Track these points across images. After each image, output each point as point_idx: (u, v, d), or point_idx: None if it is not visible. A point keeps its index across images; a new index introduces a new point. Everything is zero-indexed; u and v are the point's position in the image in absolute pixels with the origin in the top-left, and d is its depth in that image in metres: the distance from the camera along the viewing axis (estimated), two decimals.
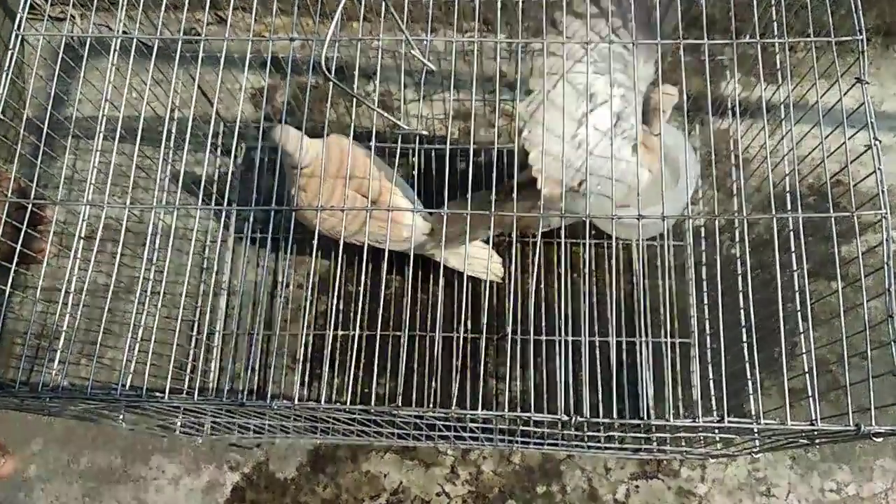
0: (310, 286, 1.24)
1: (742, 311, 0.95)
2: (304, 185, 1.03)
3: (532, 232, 0.92)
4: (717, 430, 0.86)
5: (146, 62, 0.85)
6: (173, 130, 0.85)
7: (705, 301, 1.14)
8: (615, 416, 0.74)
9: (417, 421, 0.91)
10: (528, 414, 0.69)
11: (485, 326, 1.17)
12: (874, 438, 0.65)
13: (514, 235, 0.90)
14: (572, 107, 0.92)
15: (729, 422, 0.68)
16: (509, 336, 0.81)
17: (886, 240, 0.71)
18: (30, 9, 0.84)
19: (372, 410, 0.68)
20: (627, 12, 0.90)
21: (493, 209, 0.74)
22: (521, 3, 0.86)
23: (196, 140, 1.22)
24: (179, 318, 0.84)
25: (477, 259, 1.17)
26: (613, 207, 0.84)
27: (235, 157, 1.33)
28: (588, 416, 0.69)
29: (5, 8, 0.99)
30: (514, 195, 0.81)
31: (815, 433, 0.69)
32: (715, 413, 1.09)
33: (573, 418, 0.68)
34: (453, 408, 0.68)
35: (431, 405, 1.11)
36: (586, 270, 1.21)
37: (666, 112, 1.03)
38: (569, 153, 0.90)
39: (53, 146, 1.03)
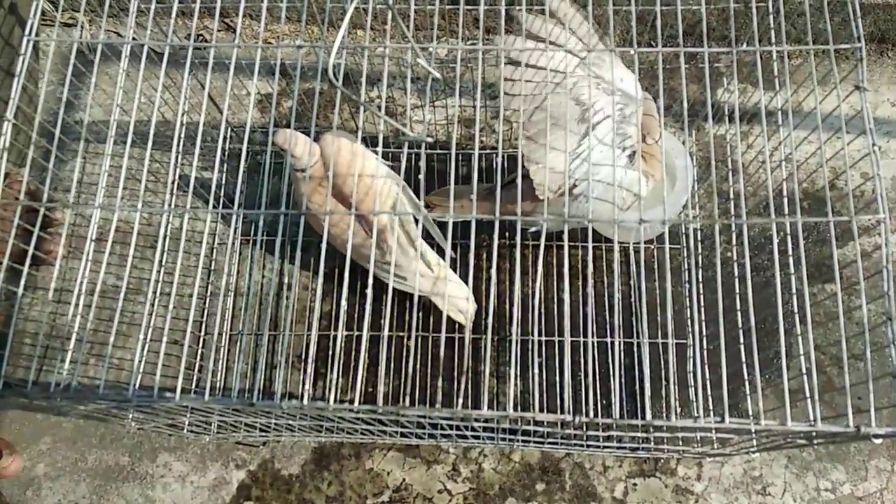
0: (317, 287, 1.26)
1: (739, 313, 0.97)
2: (310, 192, 1.04)
3: (533, 224, 0.93)
4: (715, 430, 0.87)
5: (156, 68, 0.86)
6: (182, 135, 0.86)
7: (703, 303, 1.16)
8: (616, 415, 0.75)
9: (421, 420, 0.92)
10: (532, 414, 0.70)
11: (488, 328, 1.19)
12: (874, 439, 0.65)
13: (517, 238, 0.92)
14: (573, 123, 0.94)
15: (729, 422, 0.68)
16: (511, 338, 0.82)
17: (885, 243, 0.72)
18: (41, 15, 0.85)
19: (379, 410, 0.69)
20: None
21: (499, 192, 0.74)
22: (524, 12, 0.88)
23: (205, 144, 1.23)
24: (191, 318, 0.85)
25: (457, 299, 1.18)
26: (616, 212, 0.86)
27: (244, 161, 1.35)
28: (590, 416, 0.70)
29: (17, 14, 1.00)
30: (519, 181, 0.81)
31: (814, 434, 0.70)
32: (713, 413, 1.11)
33: (575, 418, 0.69)
34: (459, 408, 0.69)
35: (436, 405, 1.12)
36: (588, 273, 1.23)
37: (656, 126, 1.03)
38: (569, 165, 0.92)
39: (64, 150, 1.04)
